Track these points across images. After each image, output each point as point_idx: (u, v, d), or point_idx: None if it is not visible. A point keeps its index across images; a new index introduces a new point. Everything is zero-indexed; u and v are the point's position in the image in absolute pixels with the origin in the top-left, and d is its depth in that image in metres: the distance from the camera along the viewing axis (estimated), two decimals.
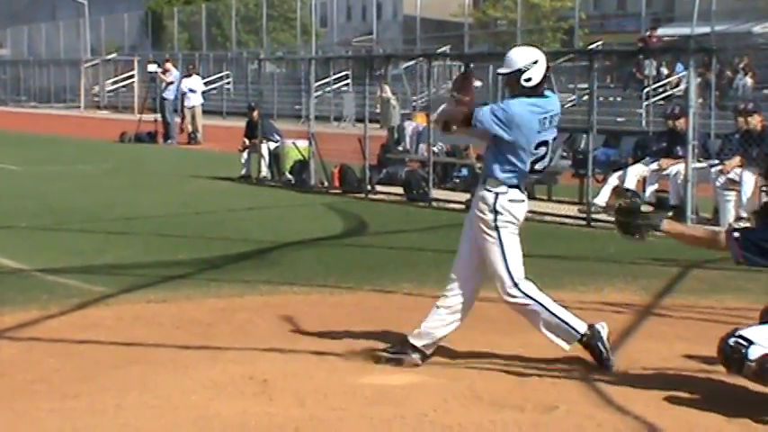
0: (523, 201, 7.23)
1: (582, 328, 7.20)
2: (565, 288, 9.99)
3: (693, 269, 11.24)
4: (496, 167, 7.12)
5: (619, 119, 31.28)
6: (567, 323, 7.21)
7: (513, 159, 7.08)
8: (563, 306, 7.35)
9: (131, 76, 51.86)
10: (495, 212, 7.16)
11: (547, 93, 7.26)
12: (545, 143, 7.13)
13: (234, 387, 6.77)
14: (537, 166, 7.20)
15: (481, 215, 7.19)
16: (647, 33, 34.31)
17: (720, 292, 9.74)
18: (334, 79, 42.30)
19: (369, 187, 17.82)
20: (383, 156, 19.41)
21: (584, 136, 15.32)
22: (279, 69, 47.10)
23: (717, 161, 14.32)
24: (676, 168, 14.40)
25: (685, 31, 31.05)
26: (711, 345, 7.76)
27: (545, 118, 7.09)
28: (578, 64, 29.70)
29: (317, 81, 28.10)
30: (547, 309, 7.23)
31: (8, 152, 26.91)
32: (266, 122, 21.32)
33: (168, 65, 33.25)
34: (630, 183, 14.78)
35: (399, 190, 17.66)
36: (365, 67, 26.28)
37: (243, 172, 20.66)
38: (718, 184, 13.98)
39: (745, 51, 31.53)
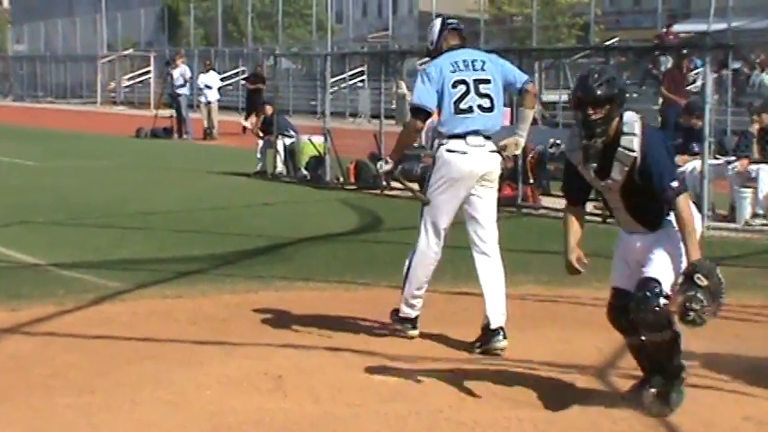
0: (466, 152, 7.59)
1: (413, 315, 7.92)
2: (580, 285, 9.93)
3: None
4: (439, 122, 7.80)
5: None
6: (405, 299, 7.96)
7: (444, 107, 7.67)
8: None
9: (147, 72, 51.95)
10: (434, 162, 7.82)
11: (461, 49, 7.90)
12: (463, 82, 7.64)
13: (249, 383, 6.78)
14: (462, 105, 7.62)
15: None
16: (664, 30, 34.17)
17: (737, 290, 9.66)
18: (350, 75, 42.24)
19: (384, 183, 17.81)
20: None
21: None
22: (294, 65, 47.11)
23: (733, 158, 14.28)
24: (692, 165, 14.36)
25: (702, 27, 30.89)
26: (727, 342, 7.75)
27: (455, 62, 7.72)
28: (594, 60, 29.60)
29: (332, 77, 28.03)
30: (406, 276, 7.92)
31: (25, 148, 27.00)
32: (282, 118, 21.34)
33: (179, 60, 33.23)
34: None
35: (415, 185, 17.58)
36: (381, 63, 26.27)
37: (258, 168, 20.67)
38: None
39: (763, 47, 31.39)
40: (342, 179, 18.85)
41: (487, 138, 7.69)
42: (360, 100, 38.89)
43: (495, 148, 7.72)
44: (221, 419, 6.08)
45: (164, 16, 59.67)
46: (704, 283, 5.75)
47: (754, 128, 14.45)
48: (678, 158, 14.73)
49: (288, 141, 20.39)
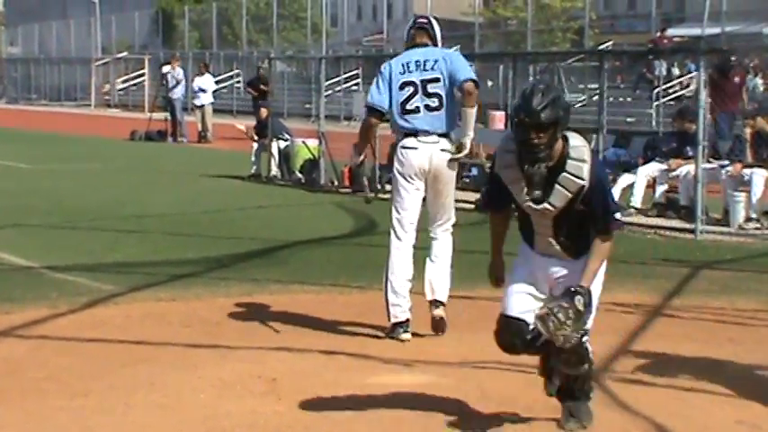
0: (417, 148, 7.95)
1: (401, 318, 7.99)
2: None
3: (704, 270, 11.23)
4: (392, 120, 8.11)
5: (629, 119, 31.23)
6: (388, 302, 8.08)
7: (393, 108, 8.02)
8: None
9: (142, 75, 51.92)
10: (394, 160, 8.13)
11: (421, 48, 8.10)
12: (411, 83, 7.94)
13: (243, 386, 6.78)
14: (408, 106, 7.95)
15: None
16: (658, 34, 34.25)
17: (731, 294, 9.72)
18: (345, 78, 42.28)
19: (379, 186, 17.80)
20: (393, 155, 19.39)
21: (594, 136, 15.29)
22: (289, 68, 47.14)
23: (727, 162, 14.30)
24: (686, 169, 14.37)
25: (696, 31, 31.01)
26: (721, 346, 7.76)
27: (407, 63, 8.01)
28: (588, 64, 29.72)
29: (327, 80, 28.07)
30: (386, 276, 8.11)
31: (19, 150, 26.96)
32: (276, 121, 21.33)
33: (174, 63, 33.21)
34: (640, 183, 14.76)
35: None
36: (375, 67, 26.25)
37: (253, 171, 20.67)
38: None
39: (756, 52, 31.47)
40: (336, 182, 18.85)
41: (442, 135, 7.99)
42: (354, 103, 38.88)
43: (448, 146, 7.98)
44: (215, 423, 6.08)
45: (158, 19, 59.66)
46: (580, 307, 5.45)
47: (747, 132, 14.48)
48: (672, 162, 14.78)
49: (282, 144, 20.38)
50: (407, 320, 8.05)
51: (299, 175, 19.66)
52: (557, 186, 5.53)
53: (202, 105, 31.83)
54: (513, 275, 5.87)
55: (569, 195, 5.53)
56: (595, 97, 24.20)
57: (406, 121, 8.01)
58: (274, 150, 20.29)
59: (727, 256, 12.06)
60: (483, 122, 27.04)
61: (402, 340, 7.98)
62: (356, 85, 42.50)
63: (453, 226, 8.31)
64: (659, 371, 7.11)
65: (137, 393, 6.61)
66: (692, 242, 13.05)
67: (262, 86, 28.80)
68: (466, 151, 8.10)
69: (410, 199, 8.06)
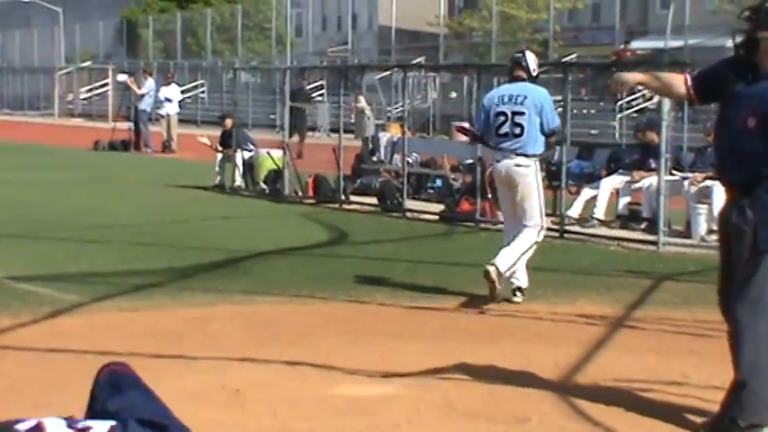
0: (498, 161, 10.15)
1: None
2: (538, 299, 10.03)
3: (666, 281, 11.31)
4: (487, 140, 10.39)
5: (592, 131, 31.41)
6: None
7: (489, 131, 10.23)
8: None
9: (105, 85, 51.72)
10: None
11: (517, 82, 10.24)
12: (503, 113, 10.05)
13: (205, 397, 6.75)
14: (500, 131, 10.08)
15: None
16: (621, 46, 34.50)
17: (693, 305, 9.78)
18: (309, 89, 42.28)
19: (343, 197, 17.83)
20: (358, 166, 19.42)
21: (558, 148, 15.36)
22: (254, 79, 47.07)
23: (689, 174, 14.40)
24: (649, 181, 14.47)
25: (659, 44, 31.19)
26: (684, 357, 7.82)
27: (501, 96, 10.20)
28: (553, 76, 29.78)
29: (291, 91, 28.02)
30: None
31: None
32: (240, 132, 21.30)
33: (146, 75, 33.15)
34: (604, 195, 14.85)
35: (373, 200, 17.68)
36: (340, 78, 26.28)
37: (217, 181, 20.62)
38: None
39: None
40: (300, 193, 18.83)
41: (519, 155, 9.99)
42: (319, 114, 38.90)
43: (522, 162, 9.98)
44: None
45: (122, 29, 59.50)
46: None
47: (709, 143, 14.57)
48: (635, 174, 14.88)
49: (247, 155, 20.36)
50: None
51: (264, 186, 19.63)
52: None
53: (168, 115, 31.74)
54: None
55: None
56: (559, 109, 24.27)
57: (496, 142, 10.12)
58: (238, 161, 20.25)
59: (689, 268, 12.14)
60: (446, 134, 27.24)
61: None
62: (321, 95, 42.52)
63: (534, 227, 10.01)
64: (623, 382, 7.14)
65: None
66: (654, 254, 13.14)
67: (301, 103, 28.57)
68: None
69: (503, 199, 10.41)
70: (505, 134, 10.02)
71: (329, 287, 10.50)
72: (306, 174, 18.95)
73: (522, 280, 10.03)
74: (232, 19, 50.01)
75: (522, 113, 9.99)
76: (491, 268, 9.63)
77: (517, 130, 10.01)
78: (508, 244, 9.96)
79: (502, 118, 10.06)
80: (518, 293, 10.01)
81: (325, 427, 6.19)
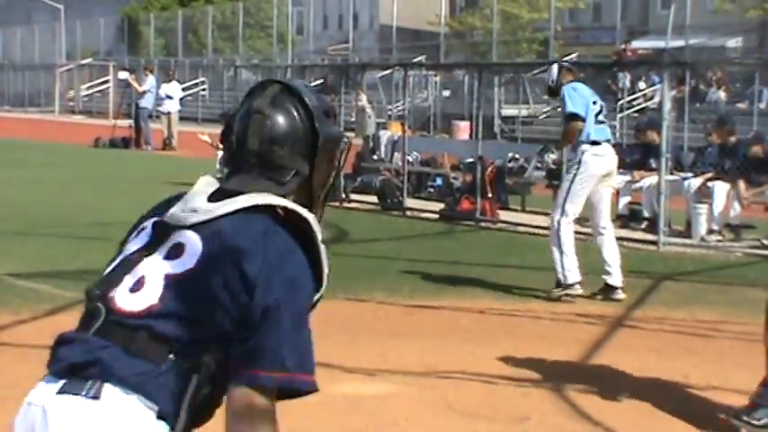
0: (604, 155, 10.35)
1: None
2: (538, 298, 10.03)
3: (666, 281, 11.31)
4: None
5: None
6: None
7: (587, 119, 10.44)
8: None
9: (106, 82, 51.67)
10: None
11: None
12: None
13: None
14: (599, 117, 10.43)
15: None
16: (622, 46, 34.48)
17: (692, 305, 9.79)
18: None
19: (343, 195, 17.82)
20: (358, 164, 19.42)
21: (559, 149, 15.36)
22: (255, 76, 47.00)
23: (690, 174, 14.40)
24: (649, 181, 14.46)
25: (660, 44, 31.18)
26: (683, 357, 7.82)
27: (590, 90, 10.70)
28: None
29: None
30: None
31: None
32: None
33: (147, 72, 33.13)
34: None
35: (374, 198, 17.67)
36: (341, 76, 26.28)
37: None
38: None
39: (719, 65, 31.72)
40: None
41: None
42: None
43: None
44: None
45: (123, 26, 59.46)
46: None
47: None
48: (635, 174, 14.87)
49: None
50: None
51: None
52: None
53: (168, 112, 31.72)
54: None
55: None
56: (559, 108, 24.28)
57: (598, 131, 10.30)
58: None
59: (689, 268, 12.14)
60: (447, 132, 27.22)
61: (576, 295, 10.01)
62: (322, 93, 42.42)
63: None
64: (622, 382, 7.15)
65: None
66: (654, 254, 13.13)
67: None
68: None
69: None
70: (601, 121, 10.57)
71: (329, 285, 10.47)
72: None
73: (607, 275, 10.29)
74: (233, 17, 49.97)
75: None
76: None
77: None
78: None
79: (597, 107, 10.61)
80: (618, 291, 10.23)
81: (324, 426, 6.19)
